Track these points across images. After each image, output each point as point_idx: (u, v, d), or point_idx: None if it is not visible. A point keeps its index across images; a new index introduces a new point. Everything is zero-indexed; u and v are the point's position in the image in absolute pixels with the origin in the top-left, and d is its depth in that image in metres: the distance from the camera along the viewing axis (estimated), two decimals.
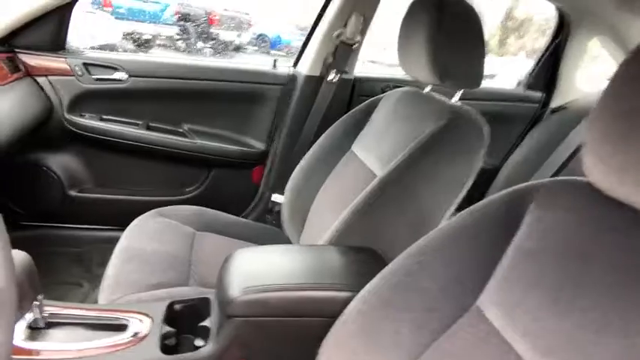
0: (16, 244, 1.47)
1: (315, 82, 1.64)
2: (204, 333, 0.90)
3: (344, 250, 1.00)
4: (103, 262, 1.13)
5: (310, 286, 0.85)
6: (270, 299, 0.82)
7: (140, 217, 1.29)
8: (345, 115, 1.36)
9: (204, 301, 0.95)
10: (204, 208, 1.39)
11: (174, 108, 1.64)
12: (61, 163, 1.58)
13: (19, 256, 0.69)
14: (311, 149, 1.37)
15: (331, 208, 1.18)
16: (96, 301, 1.02)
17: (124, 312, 0.90)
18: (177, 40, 3.50)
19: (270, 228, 1.50)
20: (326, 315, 0.77)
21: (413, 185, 1.02)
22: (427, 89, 1.23)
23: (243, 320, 0.82)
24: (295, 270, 0.92)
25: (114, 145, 1.55)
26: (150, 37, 3.31)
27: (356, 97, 1.70)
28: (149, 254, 1.12)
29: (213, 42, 3.64)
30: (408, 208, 1.02)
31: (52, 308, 0.84)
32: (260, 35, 4.37)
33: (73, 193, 1.60)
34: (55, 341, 0.81)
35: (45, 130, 1.48)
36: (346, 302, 0.72)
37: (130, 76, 1.52)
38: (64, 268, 1.58)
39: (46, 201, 1.59)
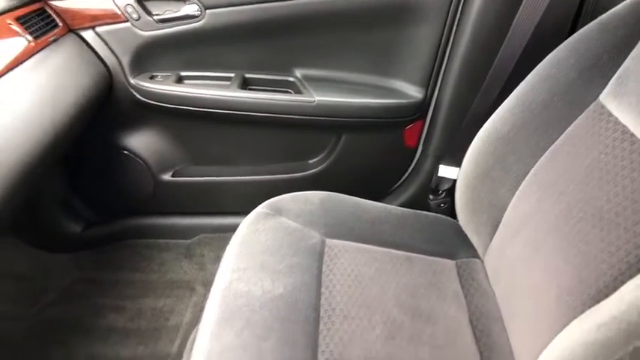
0: (114, 237, 1.26)
1: None
2: None
3: None
4: (217, 257, 0.96)
5: None
6: None
7: (247, 220, 0.95)
8: (577, 34, 0.76)
9: None
10: (333, 195, 1.01)
11: (278, 47, 1.12)
12: (142, 143, 1.22)
13: None
14: (510, 97, 0.83)
15: (562, 218, 0.68)
16: None
17: None
18: None
19: (439, 220, 1.04)
20: None
21: None
22: None
23: None
24: None
25: (203, 116, 1.13)
26: None
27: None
28: (258, 305, 0.77)
29: None
30: None
31: None
32: None
33: (165, 177, 1.26)
34: None
35: (109, 105, 1.13)
36: None
37: (206, 8, 1.03)
38: (173, 264, 1.34)
39: (135, 190, 1.28)
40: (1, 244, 1.23)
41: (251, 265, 0.86)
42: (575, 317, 0.56)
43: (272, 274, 0.84)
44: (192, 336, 1.10)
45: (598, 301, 0.55)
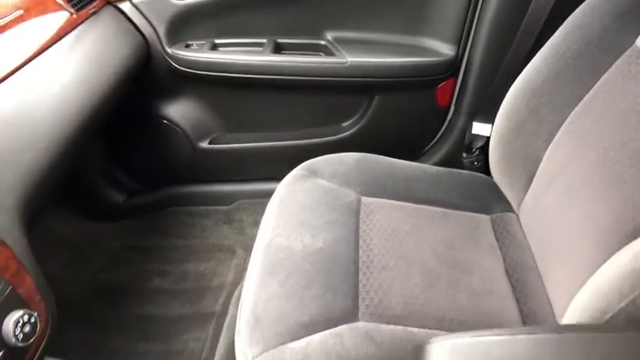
0: (157, 205, 1.31)
1: None
2: None
3: None
4: (256, 222, 0.98)
5: None
6: None
7: (285, 182, 0.99)
8: None
9: None
10: (367, 156, 1.03)
11: (308, 11, 1.14)
12: (179, 111, 1.26)
13: None
14: (543, 48, 0.83)
15: (599, 163, 0.69)
16: None
17: None
18: None
19: (473, 177, 1.05)
20: None
21: None
22: None
23: None
24: None
25: (238, 82, 1.16)
26: None
27: None
28: (299, 258, 0.81)
29: None
30: None
31: None
32: None
33: (203, 145, 1.30)
34: None
35: (147, 75, 1.17)
36: None
37: None
38: (214, 230, 1.39)
39: (175, 159, 1.33)
40: (52, 215, 1.31)
41: (290, 223, 0.89)
42: (611, 255, 0.58)
43: (311, 229, 0.87)
44: (236, 292, 1.16)
45: (635, 238, 0.57)
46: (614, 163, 0.66)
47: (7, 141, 0.71)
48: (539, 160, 0.85)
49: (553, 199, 0.80)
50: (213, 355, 1.04)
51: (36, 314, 0.56)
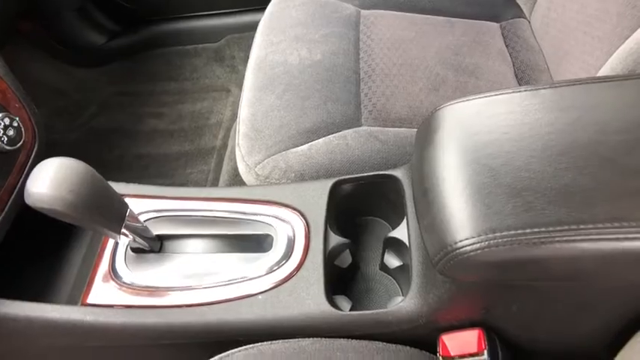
0: (141, 47, 1.20)
1: None
2: (399, 250, 0.55)
3: None
4: (247, 57, 0.89)
5: None
6: (547, 260, 0.36)
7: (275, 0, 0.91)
8: None
9: (392, 182, 0.59)
10: None
11: None
12: None
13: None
14: None
15: None
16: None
17: (261, 214, 0.60)
18: None
19: None
20: None
21: None
22: None
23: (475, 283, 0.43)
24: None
25: None
26: None
27: None
28: (296, 71, 0.77)
29: None
30: None
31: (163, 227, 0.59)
32: None
33: None
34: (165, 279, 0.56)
35: None
36: None
37: None
38: (205, 69, 1.31)
39: None
40: (36, 64, 1.22)
41: (284, 39, 0.83)
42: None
43: (307, 43, 0.81)
44: (234, 127, 1.13)
45: None
46: None
47: None
48: None
49: None
50: (217, 184, 1.04)
51: (18, 119, 0.53)
